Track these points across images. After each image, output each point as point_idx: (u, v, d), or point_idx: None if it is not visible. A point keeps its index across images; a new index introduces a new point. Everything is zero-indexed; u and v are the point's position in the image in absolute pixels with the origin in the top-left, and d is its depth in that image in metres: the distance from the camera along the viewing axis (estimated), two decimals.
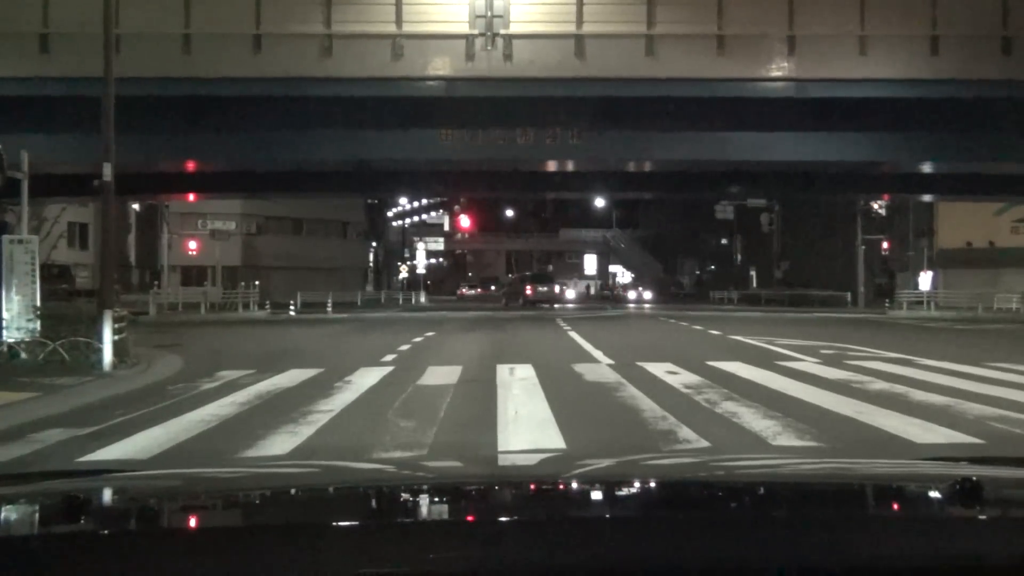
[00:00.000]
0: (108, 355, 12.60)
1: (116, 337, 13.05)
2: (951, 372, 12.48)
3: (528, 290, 47.03)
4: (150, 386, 11.55)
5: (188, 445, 7.40)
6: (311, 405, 9.45)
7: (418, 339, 19.87)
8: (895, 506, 1.83)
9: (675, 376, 11.98)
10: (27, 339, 13.12)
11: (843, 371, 12.71)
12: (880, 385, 11.06)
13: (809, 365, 13.68)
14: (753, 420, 8.38)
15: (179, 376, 12.67)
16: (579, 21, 20.90)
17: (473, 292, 71.97)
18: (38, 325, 13.25)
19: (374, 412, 9.09)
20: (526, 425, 8.16)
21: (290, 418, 8.59)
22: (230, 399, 10.05)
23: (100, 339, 12.67)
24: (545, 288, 46.80)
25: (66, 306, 16.53)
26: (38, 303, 13.48)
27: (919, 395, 10.10)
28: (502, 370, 12.63)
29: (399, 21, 20.80)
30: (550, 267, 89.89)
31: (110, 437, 7.73)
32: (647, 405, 9.33)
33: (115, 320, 13.13)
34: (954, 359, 14.26)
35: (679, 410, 8.93)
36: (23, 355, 12.92)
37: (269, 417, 8.69)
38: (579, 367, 13.29)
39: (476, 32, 20.86)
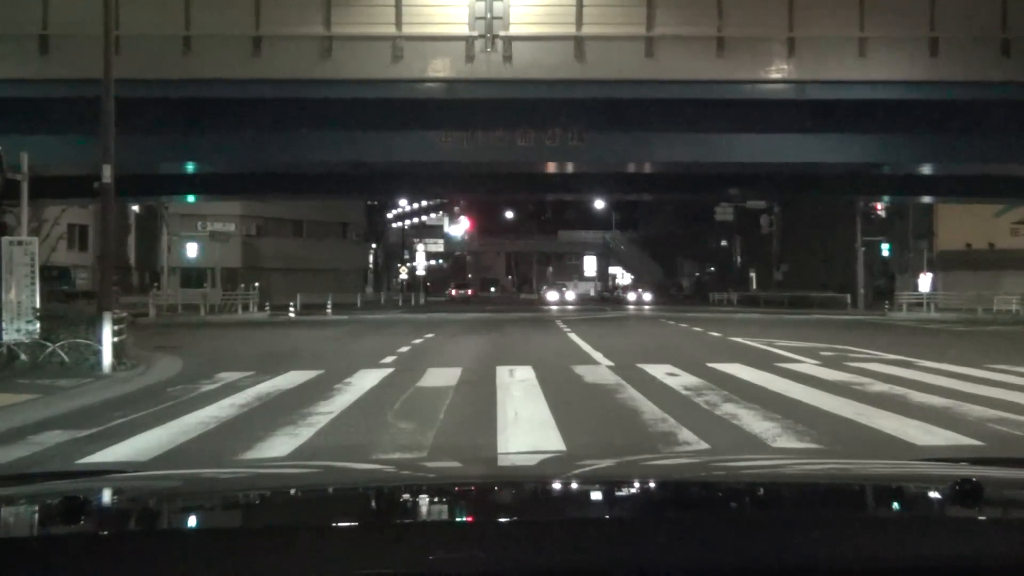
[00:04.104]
0: (107, 357, 12.59)
1: (115, 339, 13.05)
2: (950, 374, 12.48)
3: (452, 291, 70.17)
4: (149, 388, 11.56)
5: (188, 447, 7.40)
6: (311, 407, 9.45)
7: (417, 341, 19.87)
8: (895, 507, 1.83)
9: (675, 378, 11.98)
10: (26, 340, 13.11)
11: (843, 373, 12.72)
12: (880, 387, 11.05)
13: (809, 367, 13.68)
14: (753, 422, 8.38)
15: (179, 378, 12.67)
16: (579, 23, 20.87)
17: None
18: (37, 326, 13.25)
19: (374, 414, 9.09)
20: (526, 427, 8.16)
21: (290, 420, 8.59)
22: (230, 401, 10.05)
23: (99, 341, 12.68)
24: (463, 290, 70.55)
25: (65, 308, 16.55)
26: (37, 304, 13.48)
27: (919, 397, 10.10)
28: (502, 372, 12.63)
29: (399, 23, 20.77)
30: (550, 268, 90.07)
31: (109, 439, 7.72)
32: (647, 407, 9.33)
33: (114, 322, 13.12)
34: (953, 361, 14.26)
35: (679, 412, 8.93)
36: (22, 356, 12.92)
37: (269, 419, 8.69)
38: (579, 369, 13.29)
39: (476, 34, 20.83)
